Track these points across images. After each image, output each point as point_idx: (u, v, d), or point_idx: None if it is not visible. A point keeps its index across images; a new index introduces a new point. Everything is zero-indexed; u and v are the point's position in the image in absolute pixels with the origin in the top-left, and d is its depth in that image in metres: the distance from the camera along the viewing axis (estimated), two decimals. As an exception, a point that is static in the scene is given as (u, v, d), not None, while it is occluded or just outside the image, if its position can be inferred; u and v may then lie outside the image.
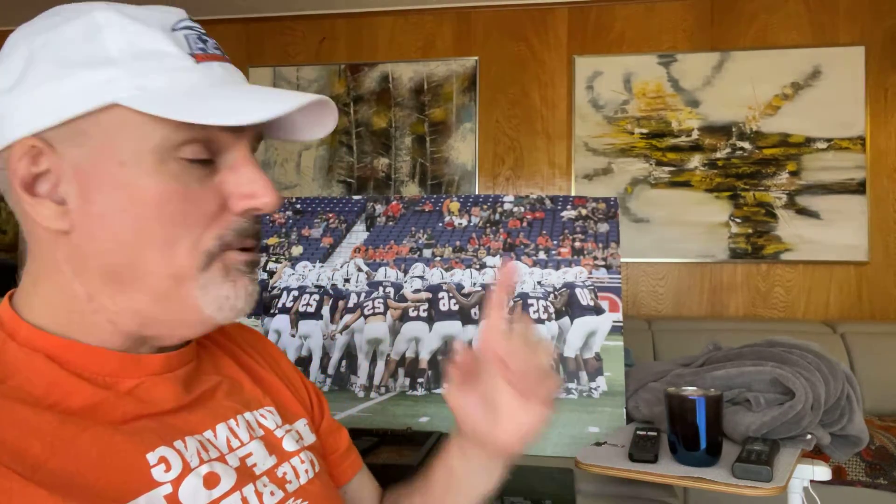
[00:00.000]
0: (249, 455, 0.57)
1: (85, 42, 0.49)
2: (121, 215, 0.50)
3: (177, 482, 0.49)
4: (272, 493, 0.56)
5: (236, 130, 0.52)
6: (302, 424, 0.68)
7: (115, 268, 0.51)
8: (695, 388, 1.06)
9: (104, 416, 0.49)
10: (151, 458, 0.49)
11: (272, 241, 1.55)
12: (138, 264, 0.51)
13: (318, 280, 1.48)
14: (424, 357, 1.38)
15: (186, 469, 0.50)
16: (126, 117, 0.49)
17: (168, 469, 0.49)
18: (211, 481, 0.51)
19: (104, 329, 0.52)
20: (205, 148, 0.51)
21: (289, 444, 0.63)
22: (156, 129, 0.49)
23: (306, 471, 0.62)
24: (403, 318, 1.41)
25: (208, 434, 0.55)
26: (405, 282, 1.45)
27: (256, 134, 0.56)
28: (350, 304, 1.44)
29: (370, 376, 1.38)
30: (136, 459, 0.48)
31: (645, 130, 3.05)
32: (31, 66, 0.49)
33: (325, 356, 1.41)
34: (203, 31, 0.55)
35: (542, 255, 1.44)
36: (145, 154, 0.49)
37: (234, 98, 0.51)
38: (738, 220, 2.99)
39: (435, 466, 0.73)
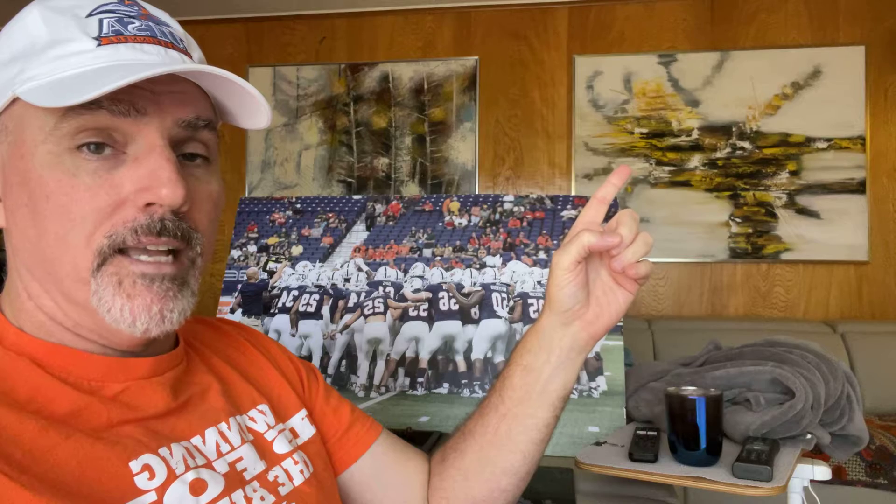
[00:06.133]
0: (240, 460, 0.57)
1: (7, 41, 0.50)
2: (24, 210, 0.50)
3: (161, 490, 0.48)
4: (262, 499, 0.55)
5: (136, 117, 0.49)
6: (299, 419, 0.67)
7: (31, 264, 0.51)
8: (695, 388, 1.05)
9: (87, 422, 0.48)
10: (135, 465, 0.48)
11: (272, 240, 1.55)
12: (46, 262, 0.50)
13: (318, 280, 1.48)
14: (424, 357, 1.38)
15: (171, 476, 0.50)
16: (24, 110, 0.49)
17: (152, 477, 0.48)
18: (197, 488, 0.51)
19: (53, 328, 0.52)
20: (101, 136, 0.48)
21: (280, 446, 0.61)
22: (47, 119, 0.48)
23: (301, 471, 0.61)
24: (403, 317, 1.41)
25: (196, 440, 0.55)
26: (405, 281, 1.45)
27: (180, 121, 0.51)
28: (350, 304, 1.44)
29: (370, 376, 1.38)
30: (119, 468, 0.47)
31: (645, 130, 3.05)
32: None
33: (325, 356, 1.41)
34: (135, 13, 0.53)
35: (542, 255, 1.44)
36: (39, 146, 0.48)
37: (97, 78, 0.47)
38: (738, 220, 2.99)
39: (504, 383, 0.69)
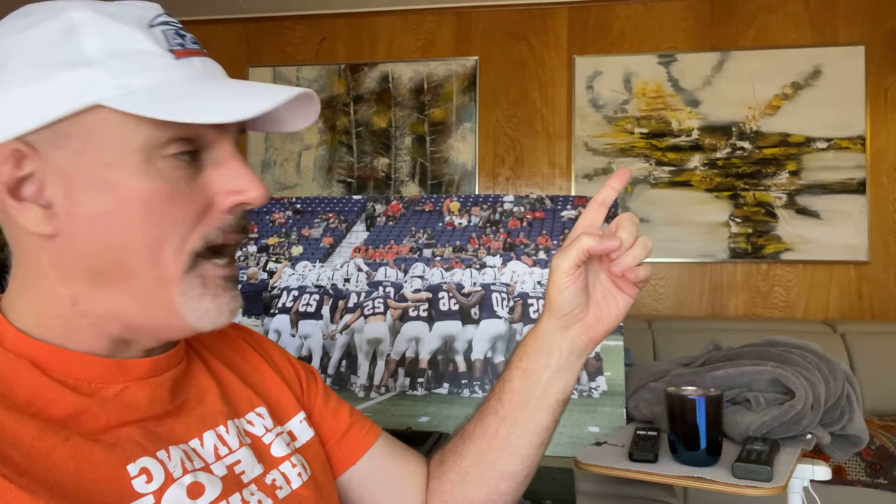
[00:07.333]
0: (238, 463, 0.57)
1: (62, 42, 0.48)
2: (108, 217, 0.49)
3: (159, 493, 0.49)
4: (260, 502, 0.55)
5: (220, 126, 0.51)
6: (297, 422, 0.67)
7: (101, 270, 0.50)
8: (695, 388, 1.05)
9: (86, 424, 0.48)
10: (132, 469, 0.48)
11: (272, 240, 1.55)
12: (124, 266, 0.50)
13: (318, 280, 1.48)
14: (424, 357, 1.38)
15: (169, 480, 0.50)
16: (110, 118, 0.48)
17: (150, 480, 0.49)
18: (195, 491, 0.51)
19: (88, 333, 0.52)
20: (190, 145, 0.50)
21: (278, 450, 0.61)
22: (140, 129, 0.48)
23: (299, 474, 0.61)
24: (403, 317, 1.41)
25: (194, 443, 0.55)
26: (405, 282, 1.45)
27: (239, 127, 0.55)
28: (350, 304, 1.44)
29: (370, 376, 1.38)
30: (117, 471, 0.47)
31: (645, 130, 3.05)
32: (6, 69, 0.48)
33: (325, 356, 1.41)
34: (180, 25, 0.54)
35: (542, 255, 1.44)
36: (131, 154, 0.49)
37: (216, 95, 0.50)
38: (738, 220, 2.99)
39: (503, 386, 0.69)
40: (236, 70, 3.27)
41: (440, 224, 1.52)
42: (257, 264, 1.52)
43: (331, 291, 1.46)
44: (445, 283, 1.43)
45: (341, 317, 1.43)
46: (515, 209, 1.52)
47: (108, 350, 0.53)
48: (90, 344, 0.52)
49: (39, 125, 0.47)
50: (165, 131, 0.49)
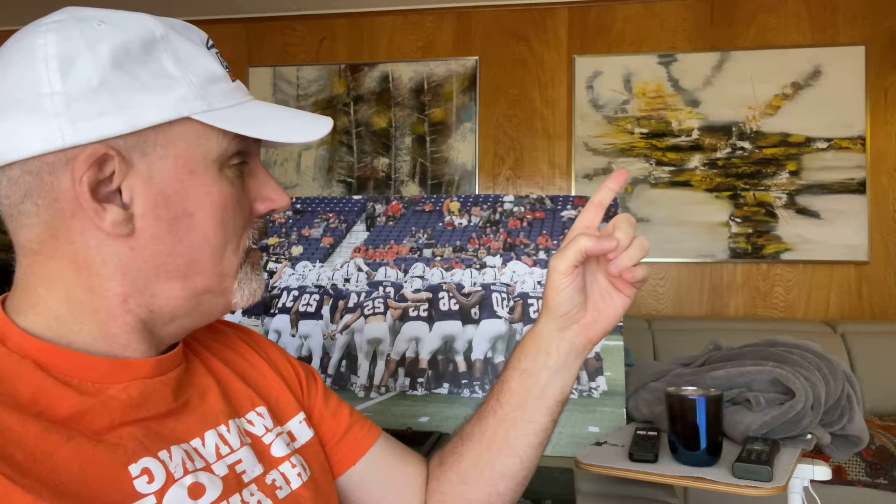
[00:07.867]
0: (239, 462, 0.57)
1: (144, 54, 0.51)
2: (189, 219, 0.52)
3: (160, 493, 0.49)
4: (259, 502, 0.56)
5: (257, 141, 0.57)
6: (297, 422, 0.67)
7: (171, 268, 0.53)
8: (695, 388, 1.06)
9: (89, 424, 0.48)
10: (134, 469, 0.48)
11: (272, 240, 1.55)
12: (193, 265, 0.54)
13: (318, 280, 1.48)
14: (424, 357, 1.38)
15: (170, 480, 0.50)
16: (196, 130, 0.52)
17: (151, 480, 0.49)
18: (196, 492, 0.51)
19: (127, 328, 0.53)
20: (242, 157, 0.56)
21: (278, 450, 0.62)
22: (219, 142, 0.53)
23: (298, 474, 0.61)
24: (403, 317, 1.41)
25: (195, 442, 0.55)
26: (405, 282, 1.45)
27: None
28: (350, 304, 1.44)
29: (370, 376, 1.38)
30: (118, 472, 0.48)
31: (645, 130, 3.05)
32: (88, 72, 0.48)
33: (325, 356, 1.41)
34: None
35: (542, 255, 1.44)
36: (210, 164, 0.53)
37: (279, 118, 0.58)
38: (738, 220, 2.99)
39: (502, 387, 0.69)
40: (236, 70, 3.27)
41: (440, 224, 1.52)
42: (257, 264, 1.52)
43: (331, 291, 1.46)
44: (445, 283, 1.43)
45: (341, 317, 1.43)
46: (515, 209, 1.52)
47: (124, 348, 0.53)
48: (125, 340, 0.53)
49: (129, 131, 0.50)
50: (234, 145, 0.54)
